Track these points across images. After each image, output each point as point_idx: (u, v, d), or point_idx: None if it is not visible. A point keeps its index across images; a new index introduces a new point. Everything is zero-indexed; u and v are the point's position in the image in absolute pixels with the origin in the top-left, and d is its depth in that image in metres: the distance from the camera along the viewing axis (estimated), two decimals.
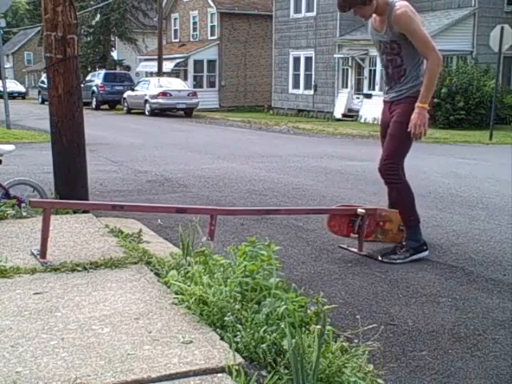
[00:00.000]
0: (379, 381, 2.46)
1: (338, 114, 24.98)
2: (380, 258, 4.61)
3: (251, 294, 2.92)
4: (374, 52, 4.87)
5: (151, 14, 40.78)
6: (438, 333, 3.26)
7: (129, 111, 29.09)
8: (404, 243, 4.68)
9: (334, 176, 9.26)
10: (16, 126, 18.37)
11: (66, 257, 3.80)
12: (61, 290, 3.21)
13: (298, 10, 27.44)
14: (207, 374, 2.31)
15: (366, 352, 2.53)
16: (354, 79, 24.74)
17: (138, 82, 30.21)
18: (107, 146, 13.47)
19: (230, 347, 2.47)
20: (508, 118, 20.67)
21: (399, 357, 2.97)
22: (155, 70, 32.71)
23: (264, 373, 2.39)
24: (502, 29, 16.54)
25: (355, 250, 4.77)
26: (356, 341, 2.65)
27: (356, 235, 4.74)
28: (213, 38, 33.59)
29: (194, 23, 35.25)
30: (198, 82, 32.98)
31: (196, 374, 2.30)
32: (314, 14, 26.37)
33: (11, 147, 5.73)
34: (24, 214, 4.99)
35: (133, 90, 29.21)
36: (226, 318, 2.71)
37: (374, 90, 23.34)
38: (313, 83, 26.78)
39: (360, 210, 4.68)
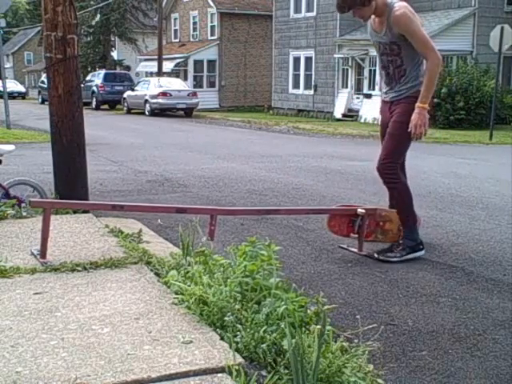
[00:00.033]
0: (379, 381, 2.46)
1: (338, 113, 24.98)
2: (376, 256, 4.63)
3: (251, 294, 2.92)
4: (373, 52, 4.89)
5: (151, 14, 40.78)
6: (437, 333, 3.27)
7: (129, 111, 29.09)
8: (401, 241, 4.69)
9: (334, 176, 9.27)
10: (16, 126, 18.37)
11: (66, 257, 3.80)
12: (61, 290, 3.21)
13: (298, 10, 27.44)
14: (207, 373, 2.31)
15: (366, 352, 2.53)
16: (353, 79, 24.74)
17: (138, 82, 30.21)
18: (107, 146, 13.47)
19: (230, 347, 2.47)
20: (508, 118, 20.67)
21: (399, 357, 2.97)
22: (155, 70, 32.72)
23: (264, 373, 2.39)
24: (502, 29, 16.54)
25: (355, 250, 4.77)
26: (356, 341, 2.65)
27: (356, 235, 4.74)
28: (213, 38, 33.59)
29: (194, 23, 35.25)
30: (198, 82, 32.98)
31: (196, 374, 2.30)
32: (313, 14, 26.37)
33: (11, 147, 5.74)
34: (24, 213, 4.99)
35: (133, 90, 29.21)
36: (226, 318, 2.71)
37: (373, 90, 23.33)
38: (313, 83, 26.78)
39: (360, 210, 4.68)
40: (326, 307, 2.85)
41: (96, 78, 32.59)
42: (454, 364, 2.91)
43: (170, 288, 3.21)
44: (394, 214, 4.75)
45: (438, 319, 3.46)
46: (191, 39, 35.49)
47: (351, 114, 24.28)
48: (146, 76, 34.41)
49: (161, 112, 26.94)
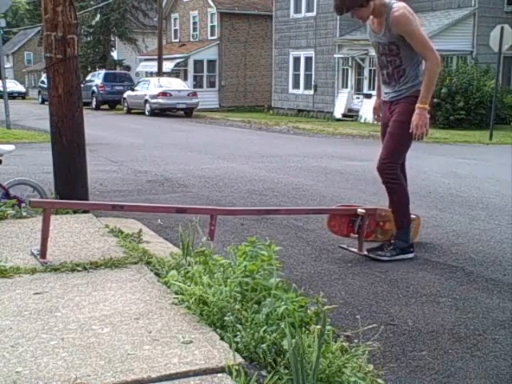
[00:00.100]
0: (379, 381, 2.46)
1: (338, 113, 24.98)
2: (366, 253, 4.64)
3: (251, 294, 2.92)
4: (373, 52, 4.90)
5: (151, 14, 40.77)
6: (438, 333, 3.27)
7: (129, 111, 29.09)
8: (392, 241, 4.70)
9: (334, 176, 9.26)
10: (16, 126, 18.37)
11: (66, 257, 3.80)
12: (61, 290, 3.21)
13: (298, 10, 27.44)
14: (207, 373, 2.31)
15: (366, 352, 2.53)
16: (353, 79, 24.74)
17: (138, 82, 30.22)
18: (107, 146, 13.47)
19: (230, 347, 2.47)
20: (508, 118, 20.66)
21: (399, 357, 2.97)
22: (155, 70, 32.72)
23: (264, 373, 2.39)
24: (502, 29, 16.54)
25: (355, 250, 4.77)
26: (356, 341, 2.65)
27: (356, 235, 4.74)
28: (213, 38, 33.59)
29: (194, 23, 35.25)
30: (198, 82, 32.98)
31: (196, 374, 2.30)
32: (313, 13, 26.36)
33: (11, 147, 5.74)
34: (24, 213, 4.99)
35: (133, 90, 29.21)
36: (226, 318, 2.71)
37: (373, 89, 23.30)
38: (313, 83, 26.78)
39: (360, 210, 4.68)
40: (326, 307, 2.85)
41: (96, 78, 32.59)
42: (454, 364, 2.91)
43: (170, 288, 3.21)
44: None
45: (438, 319, 3.46)
46: (191, 39, 35.48)
47: (351, 114, 24.28)
48: (146, 76, 34.41)
49: (161, 112, 26.94)
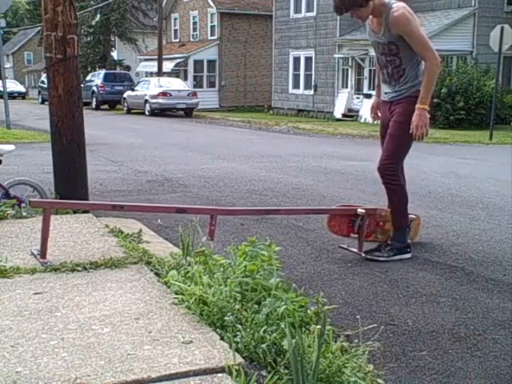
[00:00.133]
0: (379, 381, 2.46)
1: (338, 113, 24.98)
2: (363, 254, 4.64)
3: (251, 294, 2.92)
4: (373, 52, 4.89)
5: (151, 14, 40.77)
6: (438, 333, 3.27)
7: (129, 111, 29.09)
8: (389, 242, 4.70)
9: (334, 176, 9.27)
10: (16, 126, 18.37)
11: (66, 257, 3.80)
12: (61, 290, 3.21)
13: (298, 10, 27.44)
14: (207, 373, 2.31)
15: (366, 352, 2.53)
16: (353, 79, 24.75)
17: (138, 82, 30.22)
18: (107, 146, 13.47)
19: (230, 347, 2.47)
20: (508, 118, 20.67)
21: (399, 357, 2.97)
22: (155, 70, 32.72)
23: (264, 373, 2.39)
24: (502, 29, 16.54)
25: (355, 250, 4.77)
26: (356, 341, 2.65)
27: (356, 235, 4.74)
28: (213, 38, 33.59)
29: (194, 23, 35.25)
30: (198, 82, 32.98)
31: (196, 374, 2.30)
32: (313, 13, 26.37)
33: (11, 147, 5.74)
34: (24, 213, 4.99)
35: (133, 90, 29.21)
36: (226, 318, 2.71)
37: (373, 89, 23.31)
38: (313, 83, 26.78)
39: (360, 210, 4.68)
40: (326, 307, 2.85)
41: (96, 78, 32.59)
42: (454, 364, 2.91)
43: (170, 288, 3.21)
44: None
45: (438, 319, 3.46)
46: (191, 39, 35.49)
47: (351, 114, 24.28)
48: (146, 76, 34.42)
49: (161, 112, 26.94)
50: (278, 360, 2.43)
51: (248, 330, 2.59)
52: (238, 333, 2.59)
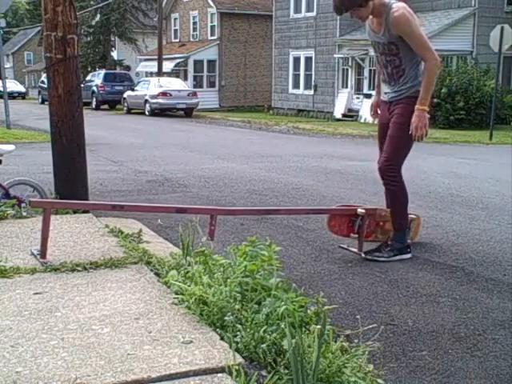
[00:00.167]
0: (379, 381, 2.46)
1: (337, 114, 24.98)
2: (363, 255, 4.63)
3: (251, 294, 2.92)
4: (373, 52, 4.88)
5: (151, 14, 40.78)
6: (437, 333, 3.27)
7: (129, 111, 29.10)
8: (389, 243, 4.70)
9: (334, 176, 9.26)
10: (16, 126, 18.37)
11: (66, 257, 3.80)
12: (61, 290, 3.21)
13: (298, 10, 27.44)
14: (207, 373, 2.31)
15: (366, 352, 2.53)
16: (353, 79, 24.75)
17: (138, 82, 30.22)
18: (107, 146, 13.47)
19: (230, 347, 2.47)
20: (508, 118, 20.67)
21: (399, 357, 2.97)
22: (155, 70, 32.72)
23: (264, 373, 2.39)
24: (502, 29, 16.54)
25: (355, 250, 4.77)
26: (356, 341, 2.65)
27: (356, 235, 4.74)
28: (213, 38, 33.60)
29: (194, 23, 35.26)
30: (198, 82, 32.99)
31: (196, 374, 2.30)
32: (313, 13, 26.37)
33: (11, 147, 5.74)
34: (24, 213, 4.99)
35: (133, 90, 29.22)
36: (226, 318, 2.71)
37: (373, 89, 23.31)
38: (313, 83, 26.78)
39: (360, 210, 4.68)
40: (326, 307, 2.84)
41: (96, 78, 32.60)
42: (454, 364, 2.91)
43: (170, 288, 3.21)
44: None
45: (438, 319, 3.46)
46: (191, 39, 35.49)
47: (351, 114, 24.28)
48: (146, 76, 34.42)
49: (161, 112, 26.95)
50: (278, 360, 2.43)
51: (248, 330, 2.59)
52: (238, 333, 2.59)
